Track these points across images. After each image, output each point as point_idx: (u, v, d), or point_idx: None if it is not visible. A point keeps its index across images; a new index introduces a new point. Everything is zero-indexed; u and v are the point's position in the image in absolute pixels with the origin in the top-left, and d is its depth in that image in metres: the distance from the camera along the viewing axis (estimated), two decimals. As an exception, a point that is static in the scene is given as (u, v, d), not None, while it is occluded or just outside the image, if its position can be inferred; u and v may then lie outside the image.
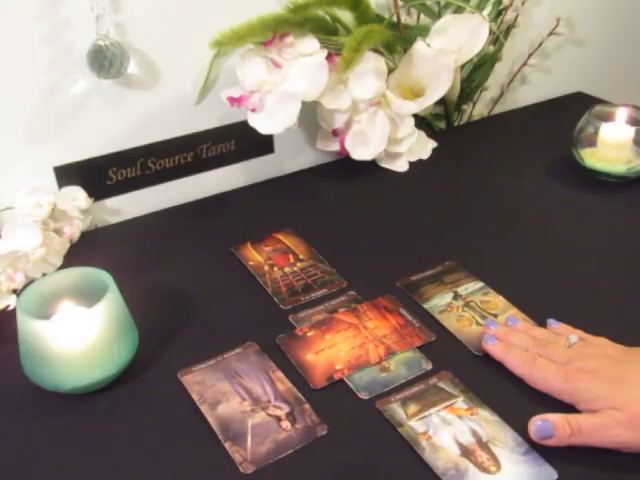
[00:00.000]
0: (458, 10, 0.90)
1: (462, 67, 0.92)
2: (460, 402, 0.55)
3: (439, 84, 0.84)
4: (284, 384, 0.57)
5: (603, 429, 0.49)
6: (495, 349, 0.58)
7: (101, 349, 0.55)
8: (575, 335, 0.58)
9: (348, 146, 0.86)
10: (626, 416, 0.49)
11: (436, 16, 0.90)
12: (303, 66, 0.77)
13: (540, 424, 0.50)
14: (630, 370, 0.52)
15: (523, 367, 0.56)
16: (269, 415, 0.54)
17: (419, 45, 0.85)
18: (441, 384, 0.57)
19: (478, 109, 1.06)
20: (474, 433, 0.52)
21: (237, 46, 0.74)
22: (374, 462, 0.51)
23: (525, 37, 1.04)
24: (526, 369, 0.56)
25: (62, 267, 0.71)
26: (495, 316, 0.64)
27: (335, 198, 0.86)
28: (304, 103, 0.77)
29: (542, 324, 0.62)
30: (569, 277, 0.69)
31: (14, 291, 0.66)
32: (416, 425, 0.53)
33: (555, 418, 0.50)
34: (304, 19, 0.77)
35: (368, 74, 0.82)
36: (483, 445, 0.51)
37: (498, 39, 0.97)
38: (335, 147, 0.88)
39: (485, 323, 0.61)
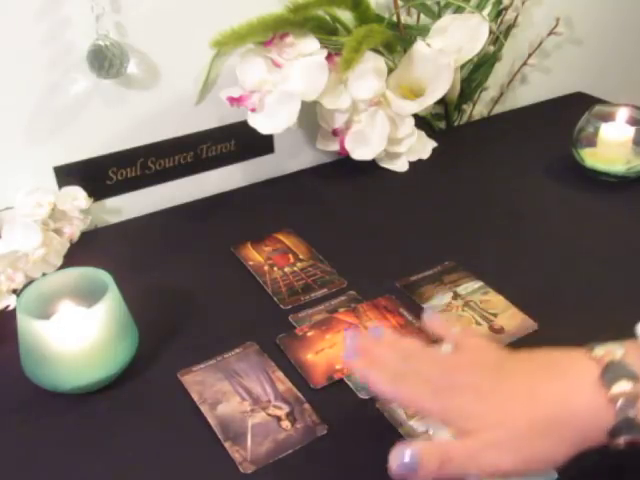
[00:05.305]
0: (458, 10, 0.90)
1: (462, 67, 0.92)
2: (460, 402, 0.55)
3: (439, 84, 0.84)
4: (284, 384, 0.57)
5: (477, 455, 0.41)
6: (355, 366, 0.48)
7: (101, 349, 0.55)
8: (448, 344, 0.49)
9: (348, 146, 0.86)
10: (502, 435, 0.41)
11: (436, 16, 0.90)
12: (303, 66, 0.77)
13: (401, 463, 0.41)
14: (505, 380, 0.44)
15: (388, 385, 0.46)
16: (269, 415, 0.54)
17: (419, 45, 0.85)
18: (441, 384, 0.56)
19: (478, 109, 1.06)
20: (474, 433, 0.52)
21: (237, 46, 0.74)
22: (374, 462, 0.51)
23: (525, 37, 1.04)
24: (392, 387, 0.46)
25: (62, 267, 0.71)
26: (495, 315, 0.64)
27: (335, 198, 0.86)
28: (304, 103, 0.77)
29: (542, 323, 0.62)
30: (569, 277, 0.69)
31: (14, 291, 0.66)
32: (416, 425, 0.53)
33: (419, 449, 0.41)
34: (304, 19, 0.77)
35: (368, 74, 0.82)
36: (483, 445, 0.51)
37: (498, 39, 0.97)
38: (335, 147, 0.88)
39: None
